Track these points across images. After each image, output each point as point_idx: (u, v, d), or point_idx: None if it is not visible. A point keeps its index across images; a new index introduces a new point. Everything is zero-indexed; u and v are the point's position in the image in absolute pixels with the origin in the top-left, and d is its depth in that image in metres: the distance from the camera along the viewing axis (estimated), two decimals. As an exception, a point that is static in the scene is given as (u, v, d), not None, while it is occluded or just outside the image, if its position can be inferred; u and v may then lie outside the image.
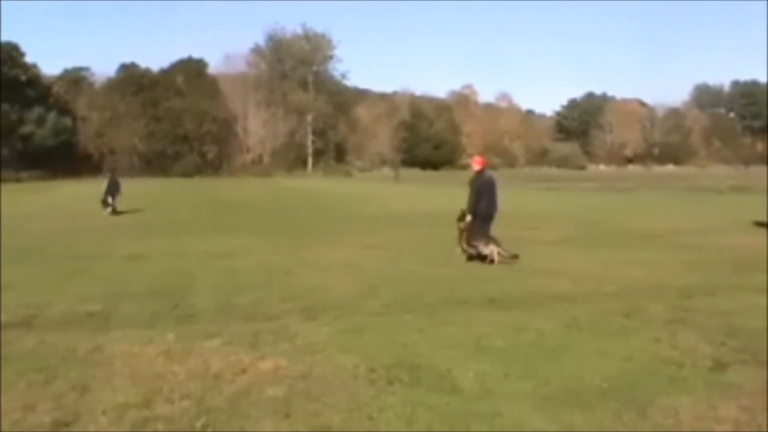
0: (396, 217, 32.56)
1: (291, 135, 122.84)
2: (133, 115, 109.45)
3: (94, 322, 10.92)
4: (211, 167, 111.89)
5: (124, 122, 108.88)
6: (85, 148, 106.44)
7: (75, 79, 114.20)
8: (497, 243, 17.13)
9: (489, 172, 18.62)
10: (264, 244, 20.49)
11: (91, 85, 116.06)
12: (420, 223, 28.76)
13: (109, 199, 36.06)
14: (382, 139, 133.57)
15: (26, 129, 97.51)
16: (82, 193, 38.39)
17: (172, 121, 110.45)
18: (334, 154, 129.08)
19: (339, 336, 9.97)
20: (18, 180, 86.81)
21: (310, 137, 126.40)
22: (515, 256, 17.06)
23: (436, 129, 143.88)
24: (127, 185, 39.45)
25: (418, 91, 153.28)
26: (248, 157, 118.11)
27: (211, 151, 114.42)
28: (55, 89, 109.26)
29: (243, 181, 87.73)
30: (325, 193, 56.95)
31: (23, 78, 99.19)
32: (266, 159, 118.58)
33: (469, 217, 17.43)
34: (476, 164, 18.19)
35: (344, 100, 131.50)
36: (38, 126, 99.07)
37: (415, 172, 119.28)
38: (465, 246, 17.42)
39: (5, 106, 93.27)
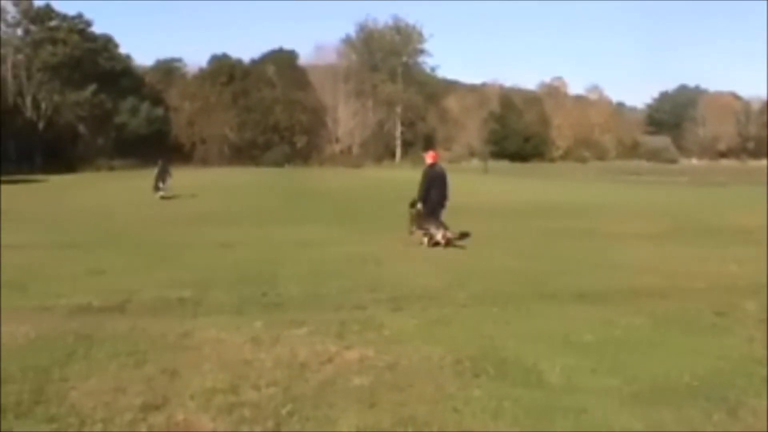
0: (484, 209, 32.38)
1: (380, 126, 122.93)
2: (224, 106, 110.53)
3: (185, 308, 11.15)
4: (301, 157, 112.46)
5: (215, 112, 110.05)
6: (176, 138, 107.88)
7: (167, 69, 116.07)
8: (445, 227, 18.97)
9: (440, 165, 20.42)
10: (352, 234, 20.60)
11: (183, 75, 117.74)
12: (509, 216, 28.62)
13: (160, 184, 39.14)
14: (471, 131, 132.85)
15: (120, 119, 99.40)
16: (174, 181, 39.25)
17: (263, 111, 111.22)
18: (423, 145, 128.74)
19: (426, 327, 9.98)
20: (111, 168, 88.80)
21: (399, 128, 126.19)
22: (460, 237, 19.33)
23: (526, 121, 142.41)
24: (217, 174, 40.38)
25: (508, 83, 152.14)
26: (337, 148, 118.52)
27: (301, 141, 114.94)
28: (148, 80, 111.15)
29: (332, 171, 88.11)
30: (413, 184, 56.91)
31: (118, 69, 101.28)
32: (355, 149, 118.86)
33: (419, 205, 19.34)
34: (429, 158, 20.26)
35: (433, 91, 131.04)
36: (132, 116, 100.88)
37: (504, 164, 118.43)
38: (415, 229, 19.37)
39: (101, 96, 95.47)
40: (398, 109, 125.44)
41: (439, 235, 18.74)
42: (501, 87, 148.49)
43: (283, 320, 10.26)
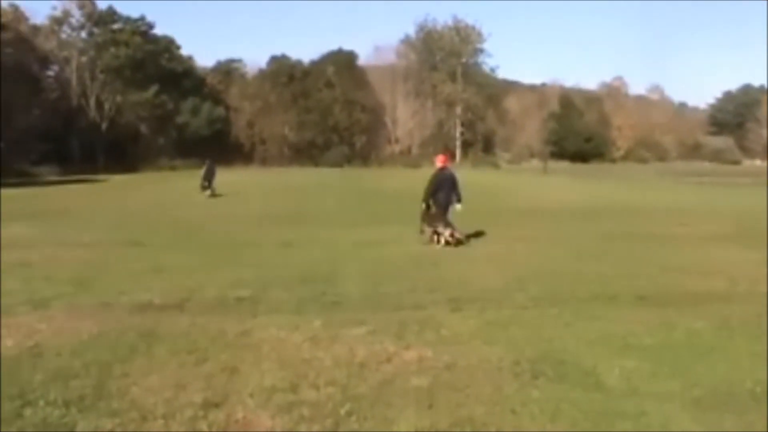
0: (545, 210, 32.25)
1: (439, 126, 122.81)
2: (284, 106, 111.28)
3: (244, 307, 11.27)
4: (360, 157, 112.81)
5: (275, 112, 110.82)
6: (236, 138, 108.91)
7: (227, 70, 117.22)
8: (453, 227, 19.66)
9: (450, 169, 20.97)
10: (412, 234, 20.61)
11: (243, 76, 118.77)
12: (569, 217, 28.41)
13: (206, 184, 40.56)
14: (531, 131, 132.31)
15: (182, 119, 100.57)
16: (235, 181, 39.67)
17: (322, 111, 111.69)
18: (483, 145, 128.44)
19: (485, 328, 9.98)
20: (173, 168, 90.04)
21: (459, 128, 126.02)
22: (461, 241, 19.58)
23: (586, 121, 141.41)
24: (276, 174, 40.84)
25: (568, 83, 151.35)
26: (396, 148, 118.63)
27: (360, 142, 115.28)
28: (208, 81, 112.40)
29: (391, 171, 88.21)
30: (472, 185, 56.70)
31: (179, 70, 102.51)
32: (414, 150, 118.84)
33: (423, 205, 20.17)
34: (439, 162, 21.04)
35: (493, 91, 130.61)
36: (193, 116, 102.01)
37: (564, 165, 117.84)
38: (425, 227, 20.07)
39: (162, 97, 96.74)
40: (458, 110, 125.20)
41: (447, 232, 19.44)
42: (561, 87, 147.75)
43: (342, 320, 10.33)
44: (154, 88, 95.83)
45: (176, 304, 11.39)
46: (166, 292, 12.22)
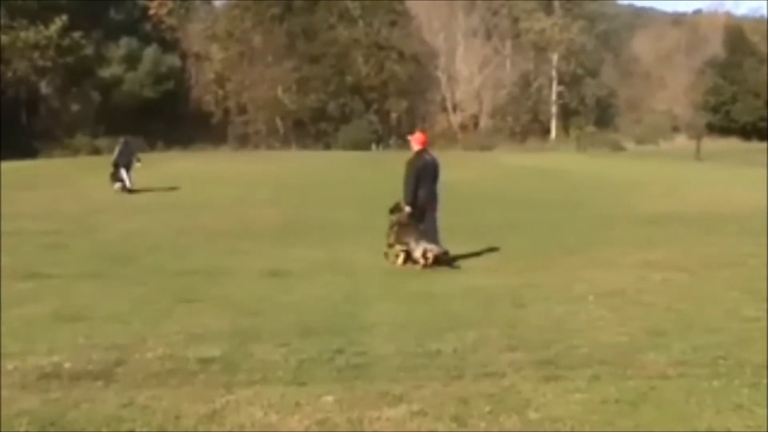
0: (697, 217, 32.11)
1: (524, 85, 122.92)
2: (275, 52, 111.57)
3: (212, 374, 11.25)
4: (397, 134, 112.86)
5: (261, 63, 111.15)
6: (199, 103, 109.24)
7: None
8: (429, 240, 20.64)
9: (431, 153, 22.21)
10: (479, 257, 20.53)
11: (208, 4, 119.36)
12: (742, 230, 28.18)
13: (122, 173, 42.77)
14: (676, 91, 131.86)
15: (108, 71, 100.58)
16: (195, 172, 39.52)
17: (337, 61, 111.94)
18: (595, 115, 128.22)
19: (599, 408, 9.90)
20: (95, 151, 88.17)
21: (555, 88, 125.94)
22: (446, 253, 20.65)
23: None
24: (263, 161, 40.98)
25: (739, 10, 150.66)
26: (456, 119, 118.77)
27: (398, 110, 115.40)
28: (153, 11, 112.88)
29: (448, 155, 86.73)
30: (579, 178, 56.63)
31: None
32: (484, 122, 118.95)
33: (407, 209, 21.02)
34: (416, 143, 21.96)
35: (613, 27, 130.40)
36: (128, 68, 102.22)
37: (732, 144, 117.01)
38: (393, 242, 21.07)
39: (76, 36, 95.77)
40: (554, 57, 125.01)
41: (418, 252, 20.37)
42: (728, 15, 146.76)
43: (369, 394, 10.30)
44: (60, 21, 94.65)
45: (101, 372, 11.35)
46: (82, 352, 12.22)
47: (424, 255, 20.14)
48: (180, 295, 16.81)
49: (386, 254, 21.17)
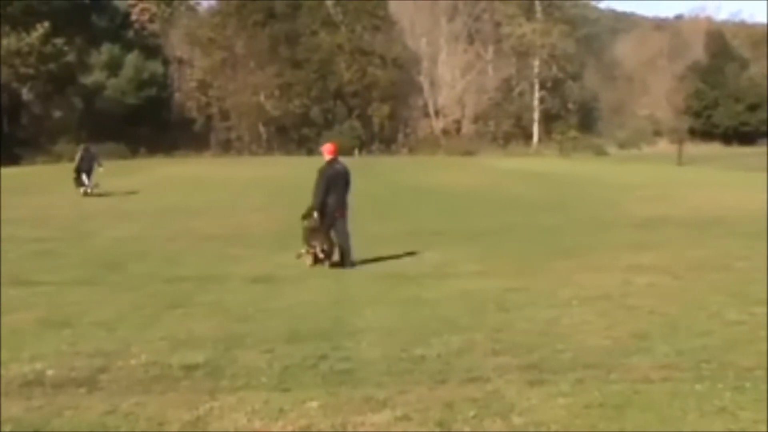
0: (685, 220, 32.26)
1: (506, 90, 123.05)
2: (258, 58, 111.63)
3: (196, 380, 11.25)
4: (380, 140, 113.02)
5: (244, 69, 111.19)
6: (182, 109, 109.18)
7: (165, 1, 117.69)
8: (332, 242, 22.08)
9: (342, 162, 23.36)
10: (467, 261, 20.55)
11: (191, 9, 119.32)
12: (726, 231, 28.28)
13: (84, 178, 45.70)
14: (657, 95, 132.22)
15: (91, 78, 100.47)
16: (178, 178, 39.61)
17: (319, 67, 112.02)
18: (578, 119, 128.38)
19: (583, 412, 9.90)
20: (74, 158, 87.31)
21: (537, 93, 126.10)
22: (336, 263, 21.94)
23: (752, 76, 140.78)
24: (246, 167, 41.13)
25: (720, 14, 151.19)
26: (439, 124, 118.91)
27: (380, 115, 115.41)
28: (135, 17, 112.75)
29: (430, 161, 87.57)
30: (563, 183, 56.76)
31: (86, 1, 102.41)
32: (466, 127, 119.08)
33: (316, 215, 22.07)
34: (327, 153, 23.25)
35: (595, 32, 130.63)
36: (110, 74, 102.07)
37: (714, 149, 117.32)
38: (306, 248, 22.22)
39: (58, 43, 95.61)
40: (536, 63, 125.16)
41: (317, 249, 21.83)
42: (709, 21, 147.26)
43: (353, 399, 10.31)
44: (42, 29, 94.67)
45: (84, 379, 11.33)
46: (65, 359, 12.20)
47: (325, 251, 21.59)
48: (168, 301, 16.85)
49: (299, 255, 22.00)
